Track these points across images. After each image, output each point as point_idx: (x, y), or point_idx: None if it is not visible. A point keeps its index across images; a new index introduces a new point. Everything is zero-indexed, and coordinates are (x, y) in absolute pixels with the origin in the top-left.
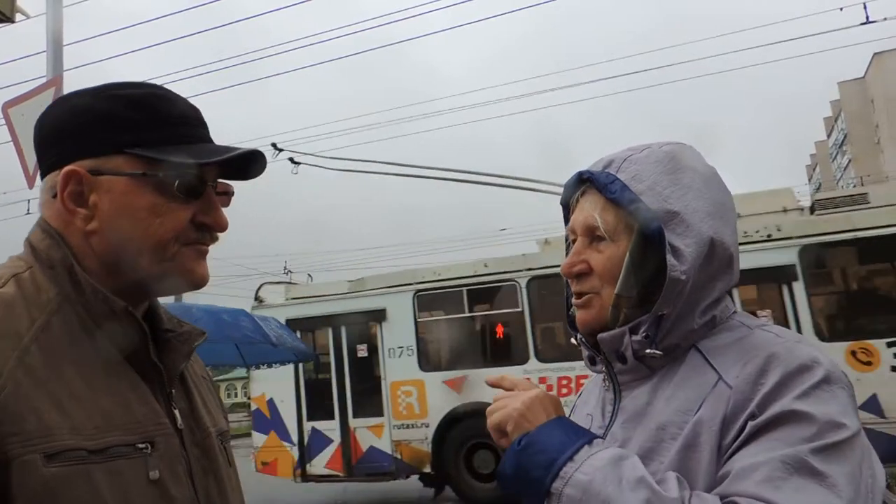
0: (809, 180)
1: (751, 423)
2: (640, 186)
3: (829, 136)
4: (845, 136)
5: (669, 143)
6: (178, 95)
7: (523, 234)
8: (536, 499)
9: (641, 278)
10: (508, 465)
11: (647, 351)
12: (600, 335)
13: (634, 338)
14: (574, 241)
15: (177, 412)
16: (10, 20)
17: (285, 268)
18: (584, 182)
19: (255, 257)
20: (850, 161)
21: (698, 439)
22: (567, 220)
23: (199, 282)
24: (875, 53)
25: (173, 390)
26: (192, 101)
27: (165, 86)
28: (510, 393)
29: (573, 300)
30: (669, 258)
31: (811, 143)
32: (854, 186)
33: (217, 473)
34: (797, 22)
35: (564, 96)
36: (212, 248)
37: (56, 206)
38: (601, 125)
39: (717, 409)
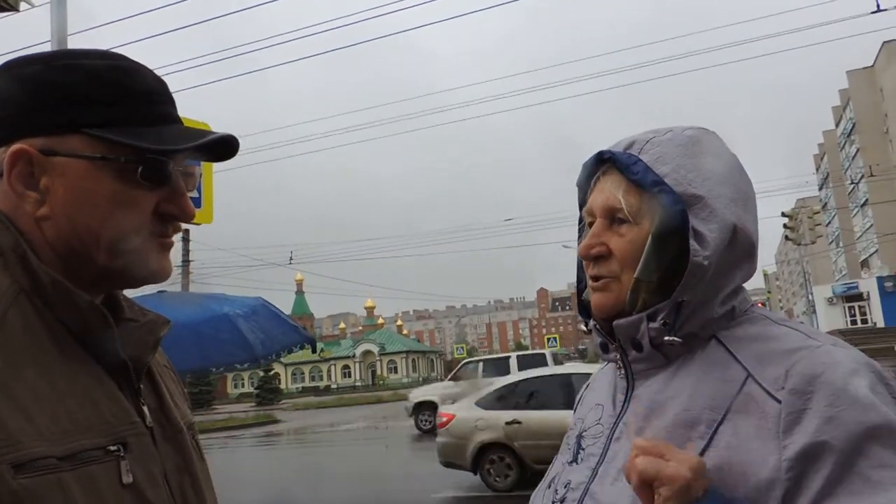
0: (817, 170)
1: (830, 455)
2: (663, 169)
3: (837, 125)
4: (854, 126)
5: (692, 127)
6: (142, 66)
7: (530, 224)
8: None
9: (662, 263)
10: None
11: (666, 338)
12: (616, 321)
13: (652, 325)
14: (590, 224)
15: (146, 408)
16: (15, 9)
17: (291, 258)
18: (604, 163)
19: (261, 248)
20: (858, 150)
21: (748, 455)
22: (581, 202)
23: (161, 278)
24: (885, 42)
25: (141, 385)
26: (197, 91)
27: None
28: (666, 444)
29: (592, 284)
30: (693, 243)
31: (819, 133)
32: (862, 176)
33: (191, 470)
34: (807, 10)
35: (568, 91)
36: (216, 240)
37: (2, 186)
38: (603, 109)
39: (764, 423)
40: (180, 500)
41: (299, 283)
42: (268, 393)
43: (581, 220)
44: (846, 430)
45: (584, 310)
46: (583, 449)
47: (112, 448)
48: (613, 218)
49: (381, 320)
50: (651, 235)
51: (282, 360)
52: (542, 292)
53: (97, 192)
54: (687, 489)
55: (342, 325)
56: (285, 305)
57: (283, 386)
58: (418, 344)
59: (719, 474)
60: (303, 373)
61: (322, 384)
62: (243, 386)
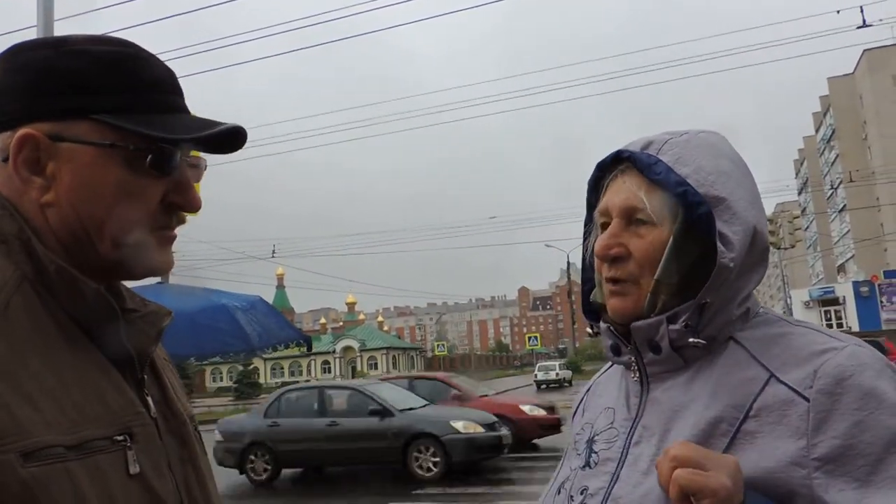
0: (797, 174)
1: (861, 458)
2: (684, 170)
3: (817, 131)
4: (833, 132)
5: (705, 129)
6: (152, 55)
7: (513, 222)
8: None
9: (683, 265)
10: None
11: (691, 340)
12: (634, 324)
13: (672, 327)
14: (603, 225)
15: (149, 399)
16: None
17: (273, 252)
18: (622, 162)
19: (243, 241)
20: (837, 156)
21: (776, 452)
22: (592, 202)
23: (163, 270)
24: (865, 50)
25: (145, 376)
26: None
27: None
28: (705, 452)
29: (609, 286)
30: (719, 245)
31: (800, 138)
32: (841, 182)
33: (195, 462)
34: (791, 19)
35: (553, 96)
36: (198, 232)
37: (7, 172)
38: (588, 110)
39: (794, 422)
40: (185, 491)
41: (280, 278)
42: (247, 387)
43: (589, 220)
44: (876, 433)
45: (591, 312)
46: (595, 453)
47: (118, 438)
48: (632, 218)
49: (361, 316)
50: (673, 236)
51: (271, 354)
52: (524, 291)
53: (104, 180)
54: (729, 499)
55: (323, 321)
56: (266, 299)
57: (262, 380)
58: (399, 340)
59: (756, 472)
60: (282, 367)
61: (301, 379)
62: (222, 380)
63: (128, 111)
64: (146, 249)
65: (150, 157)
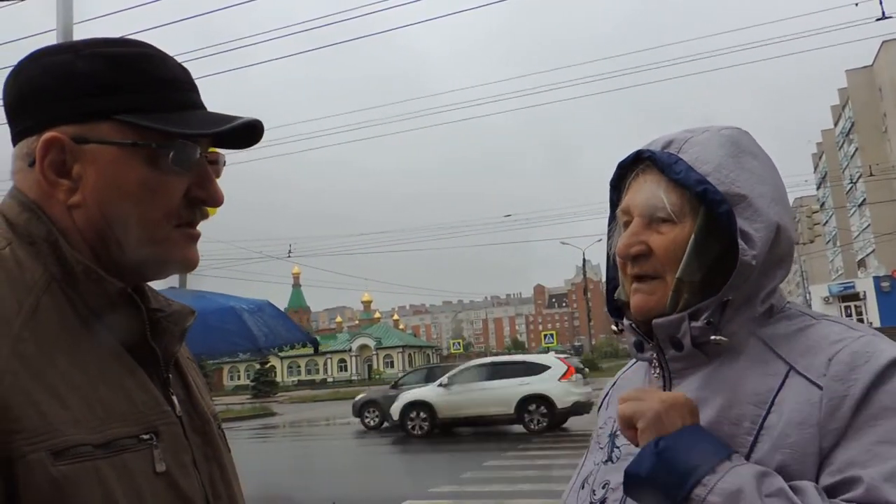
0: (815, 169)
1: (855, 417)
2: (705, 168)
3: (835, 124)
4: (852, 125)
5: (727, 126)
6: (167, 55)
7: (528, 220)
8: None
9: (705, 263)
10: (644, 467)
11: (713, 337)
12: (656, 320)
13: (694, 324)
14: (625, 223)
15: (174, 398)
16: None
17: (290, 252)
18: (642, 161)
19: (260, 240)
20: (856, 150)
21: (787, 440)
22: (615, 201)
23: (189, 267)
24: (884, 41)
25: (170, 375)
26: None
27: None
28: (647, 389)
29: (634, 284)
30: (741, 242)
31: (818, 132)
32: (860, 176)
33: (220, 461)
34: (809, 8)
35: (564, 94)
36: (215, 232)
37: (34, 175)
38: (603, 105)
39: (807, 410)
40: (210, 489)
41: (296, 277)
42: (264, 386)
43: (612, 219)
44: (887, 424)
45: (615, 309)
46: (618, 448)
47: (145, 436)
48: (653, 217)
49: (377, 314)
50: (694, 234)
51: (279, 353)
52: (539, 289)
53: (129, 178)
54: (658, 419)
55: (339, 319)
56: (282, 298)
57: (279, 379)
58: (415, 339)
59: (769, 465)
60: (299, 366)
61: (318, 377)
62: (239, 378)
63: (147, 110)
64: (171, 246)
65: (171, 153)
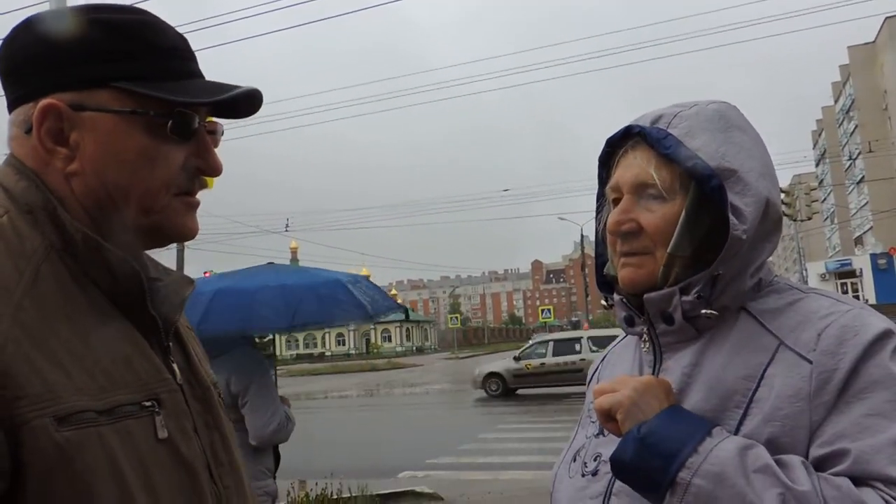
0: (814, 146)
1: (844, 390)
2: (694, 143)
3: (836, 101)
4: (853, 102)
5: (715, 101)
6: (166, 23)
7: (526, 195)
8: (655, 489)
9: (696, 237)
10: (627, 454)
11: (703, 311)
12: (647, 295)
13: (685, 298)
14: (615, 200)
15: (175, 366)
16: None
17: (287, 226)
18: (631, 137)
19: (256, 215)
20: (856, 127)
21: (779, 413)
22: (604, 177)
23: (188, 236)
24: (887, 17)
25: (170, 344)
26: None
27: None
28: (618, 378)
29: (622, 259)
30: (731, 217)
31: (818, 108)
32: (860, 153)
33: (220, 429)
34: None
35: (559, 70)
36: (212, 206)
37: (30, 143)
38: (599, 80)
39: (797, 384)
40: (211, 456)
41: (294, 251)
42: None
43: (600, 195)
44: (875, 397)
45: (605, 284)
46: None
47: (147, 404)
48: (643, 193)
49: None
50: (685, 210)
51: (380, 321)
52: (537, 264)
53: (127, 147)
54: (635, 406)
55: None
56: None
57: (277, 353)
58: (412, 313)
59: (759, 438)
60: (297, 340)
61: (316, 351)
62: None
63: (146, 78)
64: (171, 215)
65: (170, 122)
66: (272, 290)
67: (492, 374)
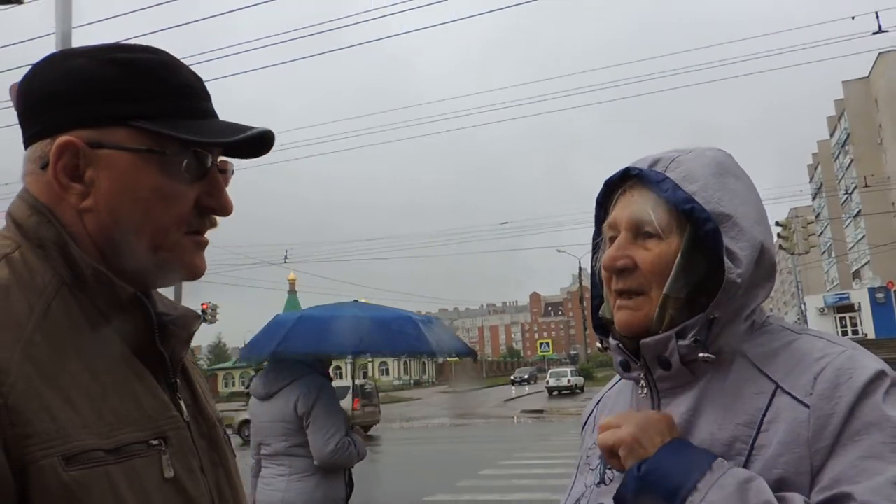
0: (811, 180)
1: (841, 434)
2: (691, 187)
3: (831, 135)
4: (848, 136)
5: (712, 147)
6: (181, 62)
7: (525, 228)
8: None
9: (691, 280)
10: (629, 494)
11: (701, 355)
12: (644, 340)
13: (682, 342)
14: (611, 238)
15: (182, 403)
16: (20, 1)
17: (286, 257)
18: (630, 179)
19: (255, 246)
20: (852, 161)
21: (780, 460)
22: (601, 217)
23: (196, 274)
24: (880, 53)
25: (177, 380)
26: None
27: None
28: (622, 413)
29: (618, 301)
30: (727, 261)
31: (814, 142)
32: (856, 187)
33: (226, 466)
34: (808, 21)
35: (558, 104)
36: (211, 237)
37: (45, 179)
38: (601, 116)
39: (796, 429)
40: (217, 494)
41: (292, 283)
42: None
43: (597, 235)
44: (870, 439)
45: (600, 327)
46: (610, 469)
47: (154, 442)
48: (639, 232)
49: None
50: (681, 252)
51: (447, 359)
52: (535, 297)
53: (142, 184)
54: (637, 443)
55: None
56: (278, 304)
57: None
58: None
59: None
60: None
61: None
62: (234, 385)
63: (162, 117)
64: (181, 253)
65: (185, 161)
66: (346, 319)
67: None
